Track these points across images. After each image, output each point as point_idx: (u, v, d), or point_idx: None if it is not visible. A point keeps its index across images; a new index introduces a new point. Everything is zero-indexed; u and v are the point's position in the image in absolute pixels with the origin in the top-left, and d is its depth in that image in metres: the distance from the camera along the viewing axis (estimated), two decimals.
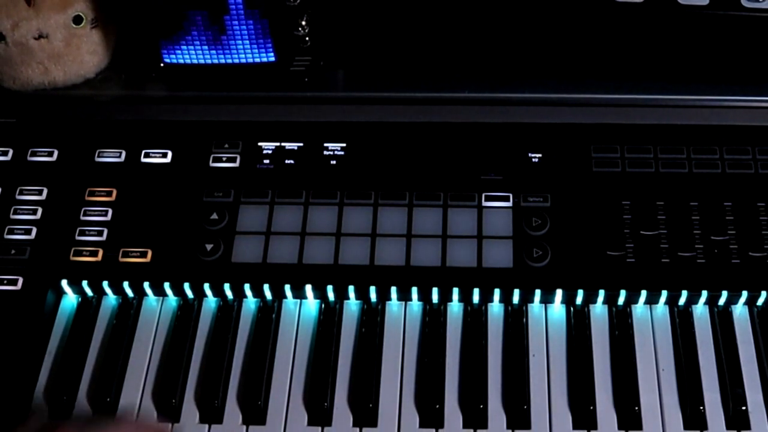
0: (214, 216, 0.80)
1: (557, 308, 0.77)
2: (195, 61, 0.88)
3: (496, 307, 0.77)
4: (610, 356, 0.74)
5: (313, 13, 0.86)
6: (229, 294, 0.78)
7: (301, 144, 0.84)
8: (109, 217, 0.80)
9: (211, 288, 0.77)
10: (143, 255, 0.78)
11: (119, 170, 0.83)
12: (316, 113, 0.87)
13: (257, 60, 0.87)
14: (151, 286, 0.78)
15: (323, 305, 0.78)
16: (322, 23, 0.87)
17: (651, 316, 0.76)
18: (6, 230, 0.80)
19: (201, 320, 0.78)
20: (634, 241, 0.77)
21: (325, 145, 0.84)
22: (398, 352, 0.75)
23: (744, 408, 0.71)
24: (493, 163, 0.82)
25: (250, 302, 0.79)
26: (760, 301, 0.76)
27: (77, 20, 0.86)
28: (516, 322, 0.76)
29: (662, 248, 0.76)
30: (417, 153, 0.83)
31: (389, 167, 0.82)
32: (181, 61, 0.88)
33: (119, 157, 0.84)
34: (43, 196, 0.82)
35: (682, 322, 0.76)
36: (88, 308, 0.78)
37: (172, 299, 0.79)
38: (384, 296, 0.77)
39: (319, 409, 0.72)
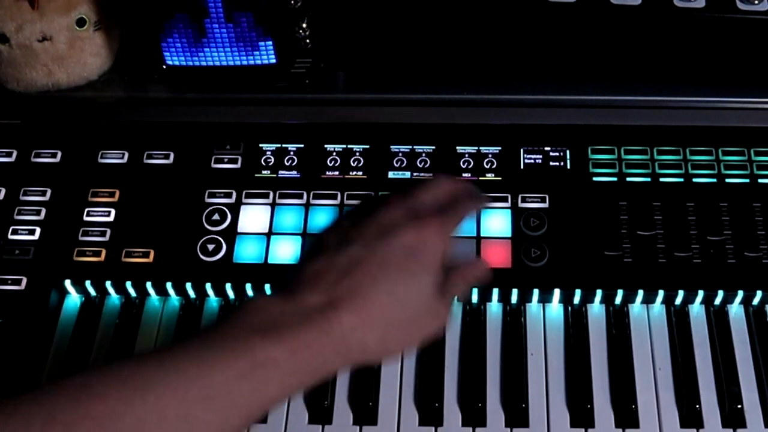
0: (216, 216, 0.80)
1: (555, 307, 0.78)
2: (196, 63, 0.88)
3: (494, 307, 0.78)
4: (607, 355, 0.75)
5: (313, 16, 0.86)
6: (230, 294, 0.78)
7: (302, 145, 0.84)
8: (112, 218, 0.81)
9: (213, 288, 0.78)
10: (146, 255, 0.79)
11: (122, 171, 0.84)
12: (316, 115, 0.88)
13: (258, 62, 0.88)
14: (154, 286, 0.78)
15: None
16: (323, 25, 0.87)
17: (648, 316, 0.77)
18: (10, 231, 0.80)
19: (203, 320, 0.78)
20: (631, 241, 0.77)
21: (326, 146, 0.84)
22: None
23: (740, 406, 0.71)
24: (491, 163, 0.83)
25: None
26: (756, 301, 0.76)
27: (80, 23, 0.86)
28: (514, 321, 0.77)
29: (659, 248, 0.77)
30: (416, 154, 0.83)
31: (389, 168, 0.83)
32: (183, 63, 0.88)
33: (122, 158, 0.85)
34: (47, 197, 0.82)
35: (678, 321, 0.76)
36: (91, 308, 0.79)
37: (174, 299, 0.79)
38: None
39: (319, 407, 0.73)
